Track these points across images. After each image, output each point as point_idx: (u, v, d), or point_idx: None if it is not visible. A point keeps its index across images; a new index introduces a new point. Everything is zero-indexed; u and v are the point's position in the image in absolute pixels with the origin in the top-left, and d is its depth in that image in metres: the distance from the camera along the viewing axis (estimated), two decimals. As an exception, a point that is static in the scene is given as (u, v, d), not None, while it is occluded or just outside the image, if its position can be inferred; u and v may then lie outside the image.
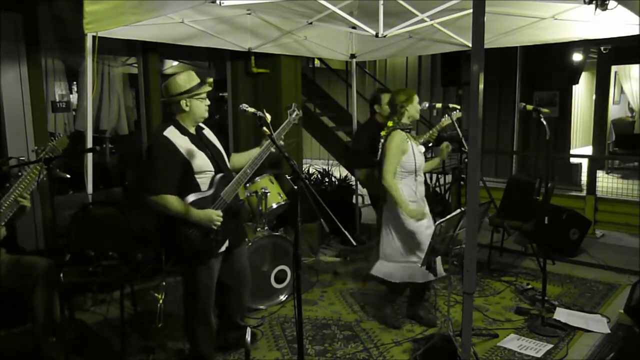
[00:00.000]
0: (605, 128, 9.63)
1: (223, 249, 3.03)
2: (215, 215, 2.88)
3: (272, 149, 3.08)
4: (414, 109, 3.69)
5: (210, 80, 3.06)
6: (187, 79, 2.91)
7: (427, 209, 3.72)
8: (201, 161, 2.91)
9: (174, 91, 2.90)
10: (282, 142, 3.08)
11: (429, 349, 3.28)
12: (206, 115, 3.00)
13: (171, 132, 2.89)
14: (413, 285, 3.76)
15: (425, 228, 3.59)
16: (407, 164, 3.60)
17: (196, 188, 2.90)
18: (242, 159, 3.23)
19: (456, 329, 3.41)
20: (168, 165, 2.82)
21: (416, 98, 3.71)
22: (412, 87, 3.80)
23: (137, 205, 4.88)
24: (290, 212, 4.65)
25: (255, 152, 3.20)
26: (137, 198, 3.11)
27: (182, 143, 2.89)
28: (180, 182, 2.86)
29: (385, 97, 4.65)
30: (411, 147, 3.62)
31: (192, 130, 3.00)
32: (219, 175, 2.98)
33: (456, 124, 3.98)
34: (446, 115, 4.23)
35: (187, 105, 2.90)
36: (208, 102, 2.99)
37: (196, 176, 2.90)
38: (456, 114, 4.08)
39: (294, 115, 3.20)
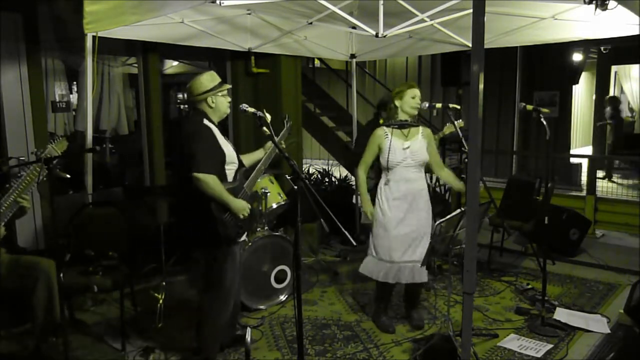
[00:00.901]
0: (605, 128, 9.64)
1: (243, 238, 3.22)
2: (246, 205, 3.07)
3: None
4: (405, 104, 3.58)
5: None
6: (210, 78, 3.08)
7: (411, 210, 3.57)
8: (230, 153, 3.09)
9: (200, 90, 3.05)
10: (283, 146, 3.25)
11: (429, 349, 3.28)
12: (228, 111, 3.19)
13: (208, 122, 3.05)
14: (406, 286, 3.75)
15: (401, 231, 3.54)
16: (382, 160, 3.58)
17: (224, 178, 3.05)
18: (246, 160, 3.37)
19: (456, 329, 3.41)
20: (213, 149, 2.99)
21: (410, 92, 3.57)
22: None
23: (137, 205, 4.90)
24: (290, 212, 4.65)
25: (258, 154, 3.41)
26: (176, 179, 3.22)
27: (217, 134, 3.05)
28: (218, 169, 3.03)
29: None
30: (389, 143, 3.54)
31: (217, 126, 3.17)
32: (243, 169, 3.19)
33: (456, 125, 3.97)
34: (448, 123, 4.22)
35: (213, 102, 3.08)
36: (229, 98, 3.17)
37: (226, 166, 3.06)
38: (459, 123, 4.06)
39: (288, 126, 3.50)
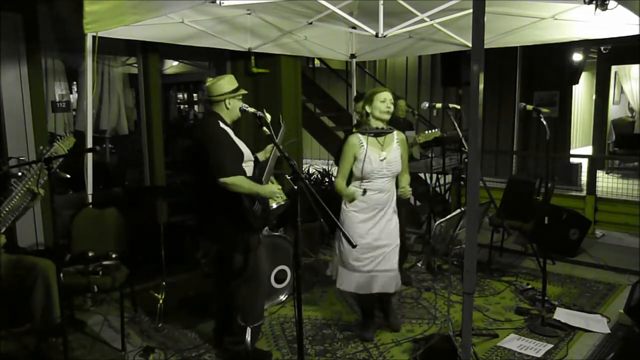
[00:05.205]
0: (605, 128, 9.64)
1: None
2: (276, 189, 3.29)
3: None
4: (375, 109, 3.37)
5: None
6: (230, 81, 3.24)
7: (379, 220, 3.43)
8: (246, 151, 3.22)
9: (219, 91, 3.18)
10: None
11: (429, 349, 3.28)
12: (240, 114, 3.29)
13: (223, 125, 3.18)
14: (378, 296, 3.60)
15: (369, 241, 3.38)
16: (356, 170, 3.39)
17: (244, 174, 3.17)
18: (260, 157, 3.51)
19: (456, 329, 3.42)
20: (232, 150, 3.13)
21: (379, 96, 3.36)
22: (388, 87, 3.36)
23: (138, 205, 4.90)
24: (290, 212, 4.64)
25: (264, 154, 3.49)
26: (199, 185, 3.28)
27: (233, 136, 3.19)
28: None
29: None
30: (364, 152, 3.32)
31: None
32: (258, 165, 3.33)
33: (456, 124, 3.97)
34: (428, 131, 4.25)
35: (229, 104, 3.21)
36: (242, 103, 3.28)
37: (243, 164, 3.19)
38: (435, 133, 4.13)
39: (284, 125, 3.54)
